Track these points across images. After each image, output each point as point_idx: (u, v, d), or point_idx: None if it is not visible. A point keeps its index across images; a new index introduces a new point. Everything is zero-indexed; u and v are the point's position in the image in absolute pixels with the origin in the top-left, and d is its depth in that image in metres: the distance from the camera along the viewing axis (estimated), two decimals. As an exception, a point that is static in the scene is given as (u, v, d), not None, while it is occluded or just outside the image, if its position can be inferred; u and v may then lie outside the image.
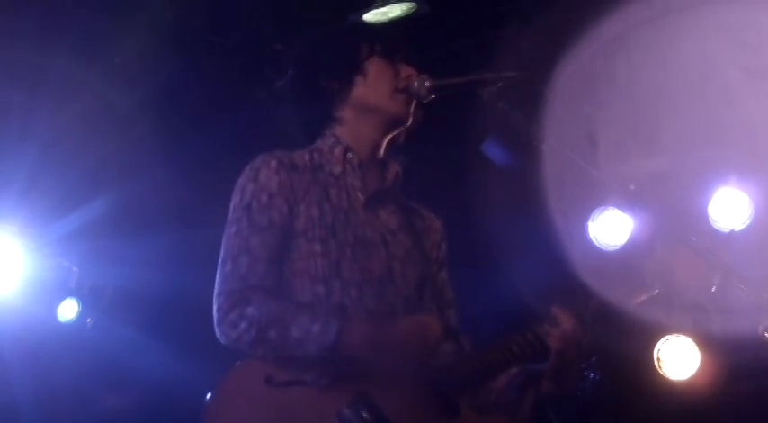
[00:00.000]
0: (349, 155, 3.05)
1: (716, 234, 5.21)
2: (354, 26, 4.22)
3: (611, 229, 5.51)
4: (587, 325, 2.90)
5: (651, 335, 5.50)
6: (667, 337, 5.47)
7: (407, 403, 2.72)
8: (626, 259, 5.49)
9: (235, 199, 2.99)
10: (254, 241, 2.89)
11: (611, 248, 5.51)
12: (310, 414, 2.72)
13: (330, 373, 2.74)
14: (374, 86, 3.07)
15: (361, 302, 2.89)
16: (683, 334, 5.45)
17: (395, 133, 3.12)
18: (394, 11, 5.38)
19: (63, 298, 6.35)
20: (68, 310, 6.36)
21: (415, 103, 3.08)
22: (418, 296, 3.02)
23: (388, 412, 2.68)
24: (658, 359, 5.49)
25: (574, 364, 2.88)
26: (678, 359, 5.47)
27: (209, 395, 2.83)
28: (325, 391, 2.73)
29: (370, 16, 5.36)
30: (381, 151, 3.12)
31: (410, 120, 3.09)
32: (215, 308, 2.88)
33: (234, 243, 2.92)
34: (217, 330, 2.88)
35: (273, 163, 2.98)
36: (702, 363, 5.42)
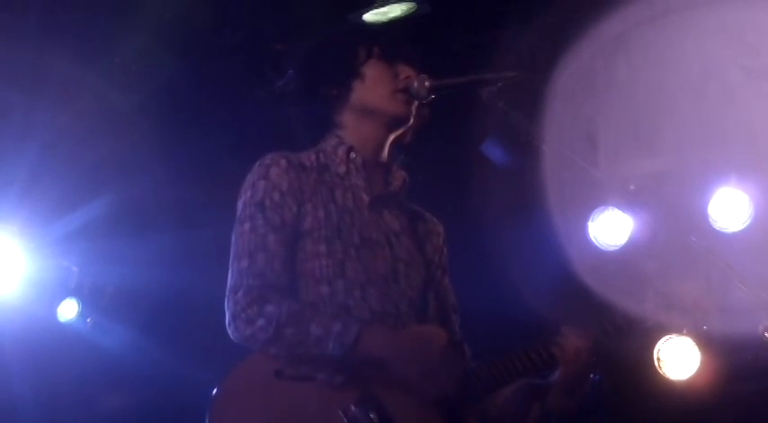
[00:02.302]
0: (352, 154, 3.05)
1: (716, 234, 5.20)
2: (352, 29, 4.22)
3: (611, 229, 5.50)
4: (598, 344, 2.94)
5: (651, 335, 5.49)
6: (667, 337, 5.46)
7: (413, 410, 2.72)
8: (626, 259, 5.49)
9: (245, 195, 2.97)
10: (271, 239, 2.88)
11: (611, 248, 5.51)
12: (318, 410, 2.73)
13: (344, 373, 2.75)
14: (373, 89, 3.08)
15: (365, 303, 2.90)
16: (683, 334, 5.44)
17: (398, 132, 3.12)
18: (394, 11, 5.38)
19: (63, 298, 6.35)
20: (68, 310, 6.36)
21: (417, 104, 3.08)
22: (422, 299, 3.03)
23: (393, 416, 2.69)
24: (658, 359, 5.48)
25: (581, 382, 2.92)
26: (678, 359, 5.46)
27: (216, 387, 2.81)
28: (334, 389, 2.74)
29: (370, 16, 5.36)
30: (385, 153, 3.12)
31: (411, 119, 3.09)
32: (230, 303, 2.85)
33: (249, 239, 2.90)
34: (231, 326, 2.85)
35: (283, 162, 2.97)
36: (702, 363, 5.42)
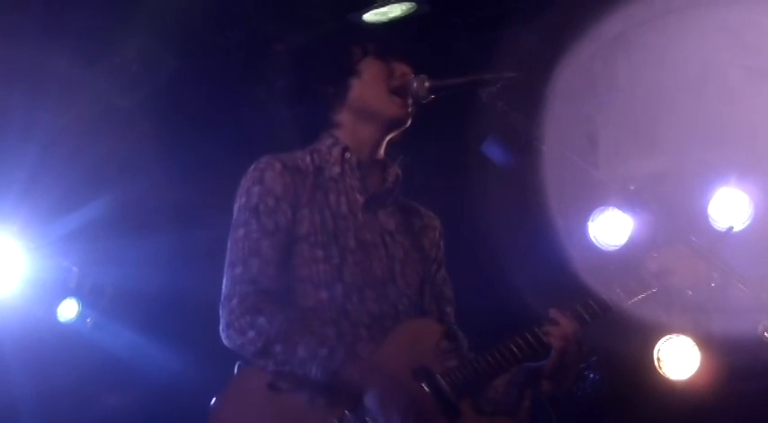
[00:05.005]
0: (347, 154, 3.05)
1: (716, 234, 5.20)
2: (345, 28, 4.23)
3: (611, 229, 5.50)
4: (586, 326, 2.92)
5: (651, 335, 5.50)
6: (667, 337, 5.47)
7: (408, 406, 2.72)
8: (626, 259, 5.49)
9: (240, 200, 2.98)
10: (264, 244, 2.89)
11: (611, 248, 5.51)
12: (313, 417, 2.75)
13: (325, 396, 2.77)
14: (370, 88, 3.08)
15: (364, 307, 2.91)
16: (683, 334, 5.45)
17: (393, 135, 3.12)
18: (394, 11, 5.38)
19: (63, 298, 6.34)
20: (68, 310, 6.36)
21: (412, 102, 3.08)
22: (419, 295, 3.04)
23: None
24: (658, 359, 5.49)
25: (573, 365, 2.92)
26: (678, 359, 5.47)
27: (214, 399, 2.86)
28: (322, 400, 2.77)
29: (370, 16, 5.36)
30: (381, 151, 3.12)
31: (409, 121, 3.10)
32: (225, 311, 2.88)
33: (243, 245, 2.91)
34: (223, 333, 2.88)
35: (278, 165, 2.97)
36: (702, 363, 5.42)
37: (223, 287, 2.91)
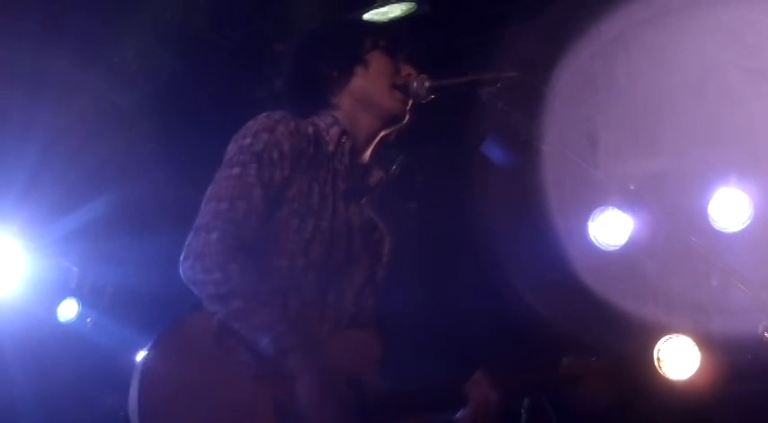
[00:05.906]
0: (344, 138, 3.05)
1: (716, 234, 5.20)
2: (360, 20, 4.21)
3: (611, 229, 5.50)
4: (506, 396, 2.96)
5: (651, 335, 5.50)
6: (667, 337, 5.46)
7: (335, 409, 2.70)
8: (626, 259, 5.49)
9: (244, 140, 2.91)
10: (257, 192, 2.83)
11: (611, 248, 5.51)
12: (250, 390, 2.68)
13: (267, 366, 2.69)
14: (374, 79, 3.08)
15: (316, 288, 2.88)
16: (683, 334, 5.44)
17: (390, 130, 3.12)
18: (394, 11, 5.38)
19: (63, 298, 6.35)
20: (68, 310, 6.36)
21: (411, 102, 3.09)
22: (359, 300, 3.02)
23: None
24: (658, 359, 5.48)
25: None
26: (678, 359, 5.46)
27: (148, 347, 2.73)
28: (267, 371, 2.69)
29: (370, 16, 5.36)
30: (369, 152, 3.12)
31: (406, 118, 3.10)
32: (198, 241, 2.77)
33: (235, 184, 2.83)
34: (186, 262, 2.79)
35: (292, 124, 2.93)
36: (702, 363, 5.41)
37: (199, 217, 2.82)
